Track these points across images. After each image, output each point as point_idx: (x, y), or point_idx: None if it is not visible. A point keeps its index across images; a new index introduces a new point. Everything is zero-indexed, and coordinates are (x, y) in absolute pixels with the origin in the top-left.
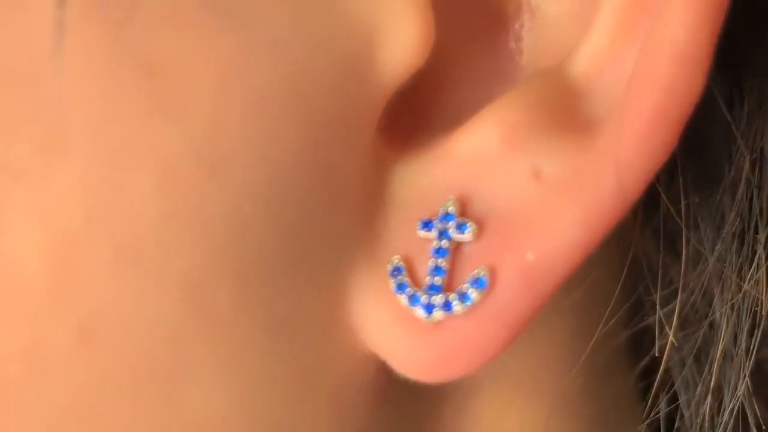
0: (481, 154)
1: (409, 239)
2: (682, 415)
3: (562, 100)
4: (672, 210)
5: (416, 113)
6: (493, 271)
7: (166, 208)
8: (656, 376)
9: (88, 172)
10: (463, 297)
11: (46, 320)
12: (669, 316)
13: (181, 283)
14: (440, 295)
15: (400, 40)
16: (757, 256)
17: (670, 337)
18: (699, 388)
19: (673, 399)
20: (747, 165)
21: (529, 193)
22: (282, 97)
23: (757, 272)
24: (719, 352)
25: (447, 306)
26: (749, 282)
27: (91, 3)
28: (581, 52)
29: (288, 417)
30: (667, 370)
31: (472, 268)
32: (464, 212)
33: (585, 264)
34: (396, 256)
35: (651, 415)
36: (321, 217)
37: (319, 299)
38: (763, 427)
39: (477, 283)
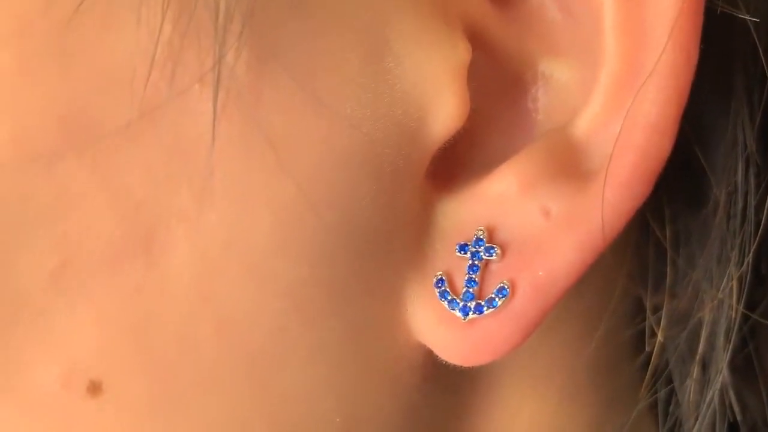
0: (505, 196)
1: (449, 259)
2: (678, 401)
3: (567, 154)
4: (659, 234)
5: (456, 161)
6: (513, 284)
7: (279, 239)
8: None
9: (227, 215)
10: (491, 303)
11: (192, 316)
12: (668, 317)
13: (287, 292)
14: (473, 302)
15: (443, 112)
16: (728, 270)
17: (659, 337)
18: (688, 380)
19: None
20: (724, 196)
21: (540, 226)
22: (357, 159)
23: (728, 284)
24: (701, 348)
25: (479, 309)
26: (723, 291)
27: (230, 99)
28: (582, 116)
29: (360, 392)
30: (666, 363)
31: (498, 281)
32: (491, 239)
33: (591, 277)
34: (439, 272)
35: (648, 397)
36: (383, 244)
37: (382, 304)
38: (738, 415)
39: (501, 292)
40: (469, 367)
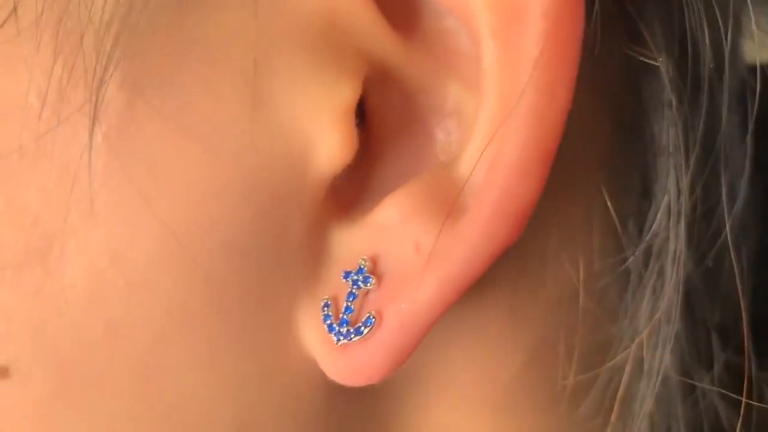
0: (386, 227)
1: (337, 284)
2: None
3: (446, 189)
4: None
5: (360, 188)
6: (379, 314)
7: (158, 258)
8: None
9: (111, 234)
10: (358, 331)
11: (85, 319)
12: None
13: (167, 305)
14: (345, 328)
15: (325, 149)
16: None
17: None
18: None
19: None
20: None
21: (411, 260)
22: (236, 189)
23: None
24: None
25: (347, 336)
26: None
27: (110, 130)
28: (466, 152)
29: (256, 400)
30: None
31: (368, 310)
32: (373, 269)
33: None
34: (326, 296)
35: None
36: (272, 266)
37: (272, 321)
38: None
39: (367, 322)
40: (388, 387)
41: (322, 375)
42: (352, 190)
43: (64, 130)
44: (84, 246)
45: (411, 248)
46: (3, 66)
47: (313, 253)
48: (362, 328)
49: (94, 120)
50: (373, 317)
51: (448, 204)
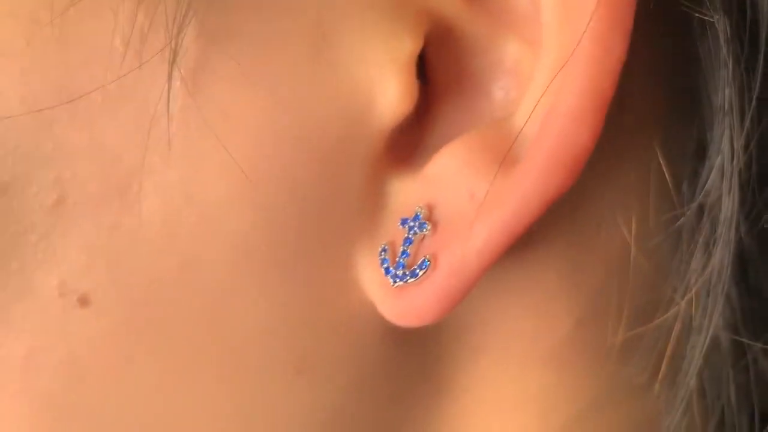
0: (442, 177)
1: (395, 231)
2: None
3: (503, 140)
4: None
5: (419, 141)
6: (434, 258)
7: (230, 198)
8: None
9: (186, 173)
10: (413, 273)
11: (160, 253)
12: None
13: (237, 244)
14: (402, 270)
15: (387, 100)
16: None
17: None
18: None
19: None
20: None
21: (465, 208)
22: (301, 136)
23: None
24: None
25: (403, 278)
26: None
27: (187, 75)
28: (522, 105)
29: (312, 340)
30: None
31: (424, 254)
32: (429, 216)
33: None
34: (385, 242)
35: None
36: (333, 212)
37: (333, 265)
38: None
39: (422, 265)
40: (444, 335)
41: (380, 319)
42: (410, 142)
43: (145, 74)
44: (160, 184)
45: (466, 197)
46: (91, 10)
47: (373, 200)
48: (417, 270)
49: (172, 64)
50: (428, 261)
51: (503, 154)
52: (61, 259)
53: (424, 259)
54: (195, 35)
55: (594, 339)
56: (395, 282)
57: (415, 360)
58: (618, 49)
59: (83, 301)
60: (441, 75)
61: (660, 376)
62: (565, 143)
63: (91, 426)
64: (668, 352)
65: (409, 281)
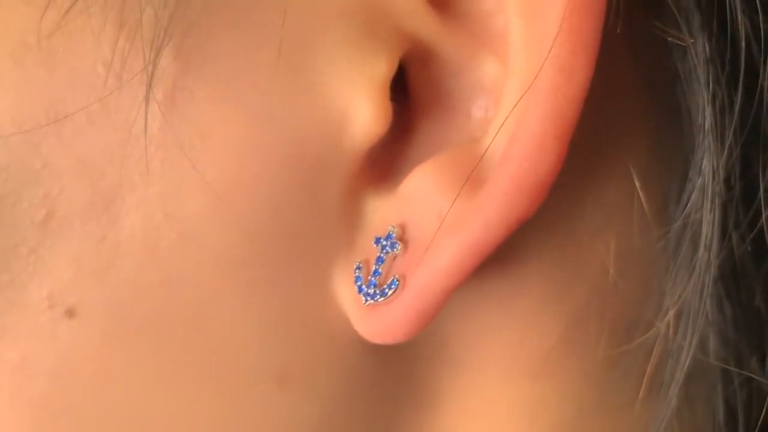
0: (414, 197)
1: (369, 249)
2: None
3: (472, 161)
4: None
5: (396, 159)
6: (403, 278)
7: (208, 215)
8: None
9: (165, 191)
10: (383, 292)
11: (142, 267)
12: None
13: (216, 259)
14: (373, 289)
15: (361, 119)
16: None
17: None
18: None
19: None
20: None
21: (433, 228)
22: (280, 156)
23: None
24: None
25: (373, 297)
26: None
27: (164, 96)
28: (489, 132)
29: (291, 352)
30: None
31: (394, 274)
32: (402, 236)
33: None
34: (359, 259)
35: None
36: (311, 230)
37: (310, 280)
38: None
39: (392, 284)
40: (424, 345)
41: (357, 333)
42: (389, 161)
43: (125, 96)
44: (141, 201)
45: (434, 216)
46: (75, 35)
47: (349, 218)
48: (387, 290)
49: (150, 86)
50: (398, 280)
51: (474, 176)
52: (50, 271)
53: (393, 279)
54: (172, 58)
55: (577, 355)
56: (366, 300)
57: (396, 373)
58: (580, 75)
59: (70, 313)
60: (421, 94)
61: (641, 394)
62: (527, 168)
63: (83, 428)
64: (648, 372)
65: (379, 300)
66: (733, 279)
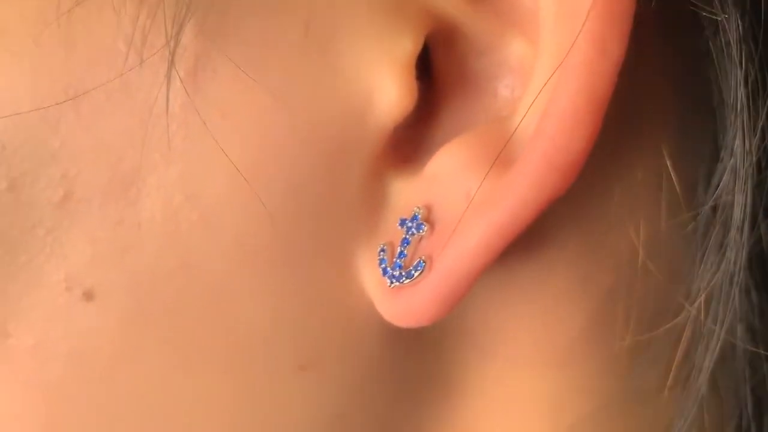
0: (440, 177)
1: (394, 231)
2: None
3: (499, 142)
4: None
5: (420, 141)
6: (429, 260)
7: (230, 196)
8: None
9: (186, 171)
10: (409, 274)
11: (162, 249)
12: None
13: (237, 241)
14: (398, 271)
15: (386, 100)
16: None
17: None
18: None
19: None
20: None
21: (461, 208)
22: (300, 135)
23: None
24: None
25: (399, 279)
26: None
27: (187, 74)
28: (520, 107)
29: (314, 337)
30: None
31: (420, 255)
32: (427, 217)
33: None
34: (384, 241)
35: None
36: (333, 211)
37: (333, 262)
38: None
39: (418, 266)
40: (447, 333)
41: (380, 317)
42: (413, 142)
43: (146, 73)
44: (161, 182)
45: (462, 197)
46: (95, 11)
47: (373, 200)
48: (413, 271)
49: (171, 63)
50: (424, 262)
51: (503, 155)
52: (68, 253)
53: (420, 260)
54: (194, 35)
55: (603, 342)
56: (392, 283)
57: (419, 359)
58: (615, 51)
59: (88, 295)
60: (446, 73)
61: (669, 382)
62: (560, 146)
63: (99, 413)
64: (677, 358)
65: (405, 282)
66: (761, 267)
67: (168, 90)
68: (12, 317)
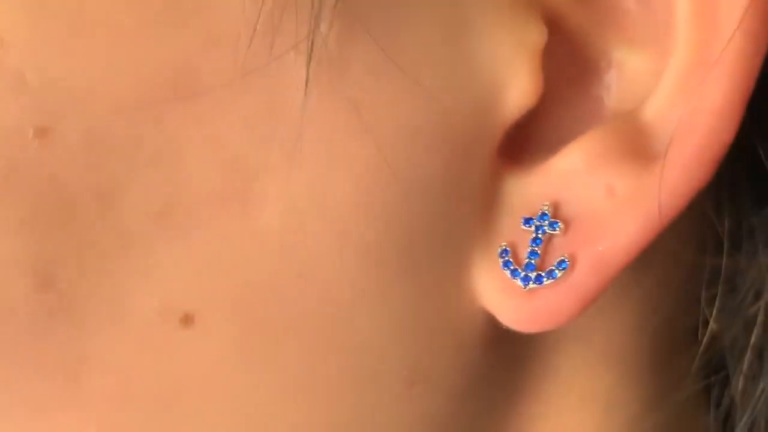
0: (571, 173)
1: (515, 231)
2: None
3: (633, 136)
4: (719, 229)
5: (528, 139)
6: (573, 258)
7: (359, 200)
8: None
9: (313, 174)
10: (550, 274)
11: (279, 264)
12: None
13: (364, 249)
14: (534, 272)
15: (516, 91)
16: None
17: (711, 326)
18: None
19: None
20: None
21: (603, 204)
22: (433, 128)
23: None
24: (753, 339)
25: (539, 280)
26: None
27: (321, 67)
28: (651, 101)
29: (425, 348)
30: (722, 353)
31: (559, 254)
32: (555, 214)
33: (653, 262)
34: (504, 243)
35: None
36: (453, 211)
37: (449, 268)
38: None
39: (561, 265)
40: (528, 337)
41: (484, 327)
42: (522, 137)
43: (273, 65)
44: (284, 186)
45: (602, 192)
46: None
47: (488, 199)
48: (555, 271)
49: (311, 56)
50: (567, 260)
51: (639, 149)
52: (164, 275)
53: (563, 259)
54: (330, 22)
55: (649, 342)
56: (526, 284)
57: (510, 367)
58: (764, 45)
59: (185, 321)
60: (555, 69)
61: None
62: (711, 139)
63: None
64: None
65: (545, 283)
66: None
67: (306, 84)
68: (87, 357)
